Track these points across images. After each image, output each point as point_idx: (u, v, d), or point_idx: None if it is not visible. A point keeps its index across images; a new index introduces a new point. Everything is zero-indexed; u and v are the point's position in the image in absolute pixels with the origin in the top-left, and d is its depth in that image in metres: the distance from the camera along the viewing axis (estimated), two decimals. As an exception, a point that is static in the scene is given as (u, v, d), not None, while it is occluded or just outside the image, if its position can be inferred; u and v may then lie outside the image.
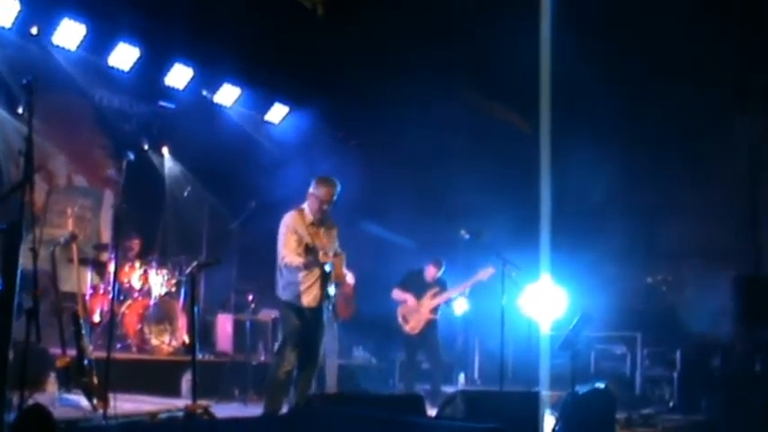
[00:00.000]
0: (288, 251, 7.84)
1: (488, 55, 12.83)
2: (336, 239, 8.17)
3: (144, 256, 11.53)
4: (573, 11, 11.28)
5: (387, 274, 11.74)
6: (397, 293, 11.05)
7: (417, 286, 11.01)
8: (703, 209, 14.04)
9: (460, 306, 12.25)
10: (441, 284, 11.05)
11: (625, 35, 12.51)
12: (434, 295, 10.95)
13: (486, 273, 10.57)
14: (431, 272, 11.06)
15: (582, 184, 13.42)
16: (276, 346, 8.30)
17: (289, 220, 7.95)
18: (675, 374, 11.45)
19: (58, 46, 11.48)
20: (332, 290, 7.96)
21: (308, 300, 7.90)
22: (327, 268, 7.80)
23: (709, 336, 12.26)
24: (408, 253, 13.55)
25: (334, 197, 7.97)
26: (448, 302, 11.21)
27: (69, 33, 11.39)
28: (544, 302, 11.02)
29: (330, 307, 8.09)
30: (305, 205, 8.05)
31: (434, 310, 10.93)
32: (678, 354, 11.74)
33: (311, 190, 8.00)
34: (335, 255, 7.92)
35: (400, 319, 10.91)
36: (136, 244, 11.61)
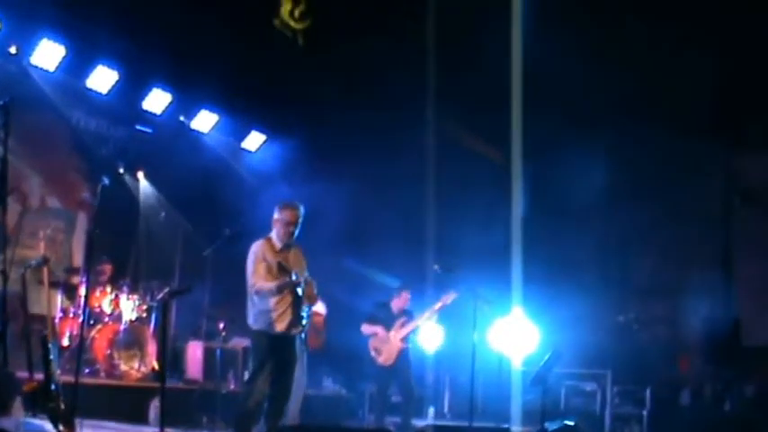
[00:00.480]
0: (257, 278, 7.83)
1: (465, 84, 12.95)
2: (305, 262, 8.18)
3: (116, 281, 11.45)
4: (547, 42, 11.44)
5: (359, 306, 11.70)
6: (366, 328, 11.00)
7: (385, 318, 10.98)
8: (676, 245, 14.14)
9: (433, 340, 12.19)
10: (407, 314, 11.04)
11: (601, 69, 12.67)
12: (403, 324, 10.94)
13: (448, 297, 10.58)
14: (397, 302, 11.05)
15: (555, 218, 13.48)
16: (246, 375, 8.25)
17: (257, 249, 7.95)
18: (645, 412, 11.46)
19: (36, 66, 11.44)
20: (304, 314, 7.97)
21: (282, 326, 7.86)
22: (299, 291, 7.83)
23: (679, 375, 12.31)
24: (384, 287, 13.50)
25: (299, 219, 8.01)
26: (415, 331, 11.21)
27: (48, 54, 11.36)
28: (515, 337, 11.03)
29: (303, 335, 8.06)
30: (272, 234, 8.07)
31: (405, 338, 10.93)
32: (648, 392, 11.77)
33: (276, 216, 8.04)
34: (306, 282, 7.94)
35: (373, 352, 10.86)
36: (108, 269, 11.51)
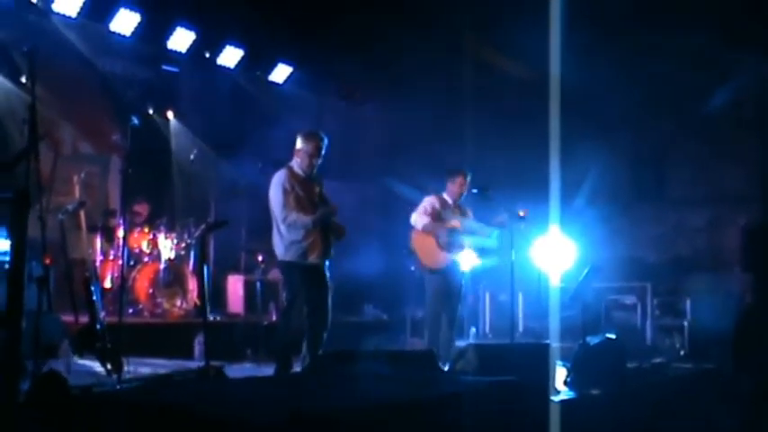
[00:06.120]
0: (289, 210, 7.84)
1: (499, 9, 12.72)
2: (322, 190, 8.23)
3: (152, 221, 11.57)
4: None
5: (394, 231, 11.69)
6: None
7: None
8: (712, 155, 13.95)
9: (469, 260, 12.21)
10: None
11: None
12: None
13: (485, 235, 10.66)
14: None
15: (588, 133, 13.31)
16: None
17: (283, 180, 7.93)
18: (686, 323, 11.46)
19: (58, 13, 11.41)
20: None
21: (314, 256, 7.92)
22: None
23: (719, 284, 12.24)
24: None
25: (323, 150, 8.02)
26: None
27: (69, 0, 11.34)
28: (553, 255, 11.00)
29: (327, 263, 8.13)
30: (293, 163, 8.07)
31: None
32: (688, 303, 11.76)
33: (299, 146, 8.04)
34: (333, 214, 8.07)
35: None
36: (144, 209, 11.64)
